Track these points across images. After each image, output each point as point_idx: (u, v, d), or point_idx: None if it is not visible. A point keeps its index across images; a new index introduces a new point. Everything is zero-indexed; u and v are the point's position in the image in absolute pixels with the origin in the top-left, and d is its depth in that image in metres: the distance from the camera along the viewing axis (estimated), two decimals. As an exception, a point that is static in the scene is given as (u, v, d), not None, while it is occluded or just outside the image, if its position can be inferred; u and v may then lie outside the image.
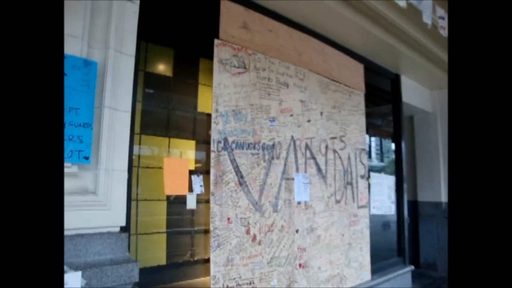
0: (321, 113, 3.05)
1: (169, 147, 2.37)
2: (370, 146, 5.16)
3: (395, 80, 4.40)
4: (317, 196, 2.92)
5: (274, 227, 2.56)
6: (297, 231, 2.71)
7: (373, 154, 4.73)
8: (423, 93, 5.06)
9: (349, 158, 3.32)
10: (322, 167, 2.99)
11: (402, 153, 4.31)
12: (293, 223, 2.69)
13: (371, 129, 4.69)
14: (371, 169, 4.34)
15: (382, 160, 4.93)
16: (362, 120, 3.59)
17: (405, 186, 4.26)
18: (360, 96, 3.62)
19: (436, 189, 5.02)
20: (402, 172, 4.25)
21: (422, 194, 5.19)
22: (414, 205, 5.21)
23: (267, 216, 2.52)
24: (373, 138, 4.85)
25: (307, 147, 2.86)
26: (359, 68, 3.67)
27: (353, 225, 3.29)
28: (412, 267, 4.17)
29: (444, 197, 4.98)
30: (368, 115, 4.16)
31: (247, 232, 2.39)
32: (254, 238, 2.43)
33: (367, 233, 3.47)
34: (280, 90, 2.72)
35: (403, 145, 4.34)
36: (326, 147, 3.05)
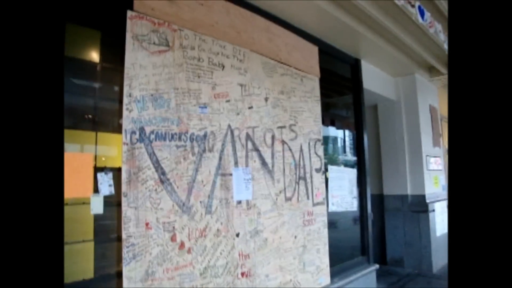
0: (266, 99, 2.70)
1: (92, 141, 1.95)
2: (344, 140, 4.90)
3: (355, 66, 4.11)
4: (262, 193, 2.57)
5: (208, 232, 2.19)
6: (237, 235, 2.35)
7: (341, 147, 4.41)
8: (386, 80, 4.81)
9: (301, 149, 2.98)
10: (268, 160, 2.64)
11: (364, 144, 4.02)
12: (232, 226, 2.33)
13: (337, 121, 4.40)
14: (346, 163, 4.05)
15: (344, 153, 4.64)
16: (317, 108, 3.27)
17: (368, 179, 3.98)
18: (314, 81, 3.29)
19: (402, 181, 4.79)
20: (365, 164, 3.96)
21: (388, 187, 4.94)
22: (379, 199, 4.97)
23: (198, 219, 2.15)
24: (340, 130, 4.54)
25: (248, 137, 2.51)
26: (313, 50, 3.34)
27: (307, 225, 2.96)
28: (377, 266, 3.89)
29: (410, 190, 4.75)
30: (329, 105, 3.88)
31: (172, 238, 2.02)
32: (182, 245, 2.06)
33: (325, 232, 3.15)
34: (213, 72, 2.35)
35: (365, 135, 4.04)
36: (273, 138, 2.71)
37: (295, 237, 2.82)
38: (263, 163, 2.60)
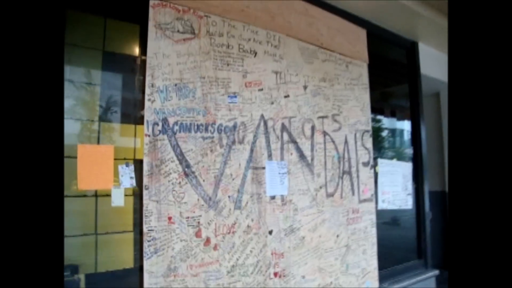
0: (305, 87, 2.50)
1: (99, 132, 1.92)
2: (398, 132, 4.53)
3: (411, 49, 3.73)
4: (300, 189, 2.39)
5: (237, 228, 2.07)
6: (270, 232, 2.20)
7: (395, 139, 4.05)
8: (450, 64, 4.31)
9: (346, 141, 2.75)
10: (307, 153, 2.45)
11: (421, 135, 3.65)
12: (264, 223, 2.18)
13: (391, 111, 4.06)
14: (400, 157, 3.72)
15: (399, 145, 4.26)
16: (365, 96, 2.99)
17: (426, 174, 3.60)
18: (361, 68, 3.02)
19: (468, 177, 4.28)
20: (422, 158, 3.59)
21: (452, 183, 4.45)
22: (442, 196, 4.51)
23: (226, 214, 2.03)
24: (394, 121, 4.17)
25: (284, 128, 2.33)
26: (360, 33, 3.06)
27: (352, 223, 2.72)
28: (437, 271, 3.52)
29: (478, 187, 4.23)
30: (381, 94, 3.57)
31: (197, 234, 1.92)
32: (208, 241, 1.96)
33: (372, 232, 2.89)
34: (244, 59, 2.21)
35: (422, 126, 3.66)
36: (312, 128, 2.50)
37: (337, 236, 2.60)
38: (301, 156, 2.41)
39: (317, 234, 2.46)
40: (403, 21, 3.31)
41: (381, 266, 2.99)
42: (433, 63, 3.97)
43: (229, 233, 2.03)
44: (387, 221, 3.28)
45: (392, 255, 3.44)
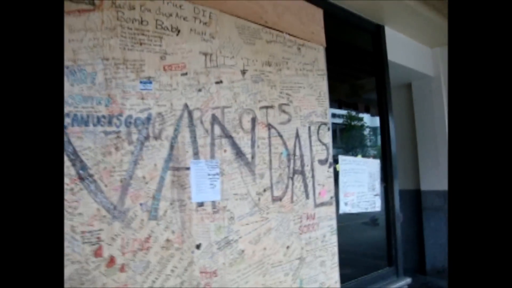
0: (243, 72, 2.17)
1: None
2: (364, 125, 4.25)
3: (377, 34, 3.46)
4: (237, 193, 2.05)
5: (152, 243, 1.72)
6: (198, 246, 1.86)
7: (360, 134, 3.77)
8: (421, 51, 4.08)
9: (297, 135, 2.43)
10: (246, 149, 2.12)
11: (389, 129, 3.36)
12: (189, 235, 1.84)
13: (355, 102, 3.78)
14: (366, 153, 3.44)
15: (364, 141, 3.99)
16: (321, 84, 2.69)
17: (396, 172, 3.32)
18: (317, 51, 2.71)
19: (443, 174, 4.06)
20: (391, 154, 3.30)
21: (426, 181, 4.24)
22: (416, 195, 4.26)
23: (137, 226, 1.68)
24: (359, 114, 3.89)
25: (215, 120, 2.00)
26: (316, 13, 2.76)
27: (307, 231, 2.40)
28: (408, 280, 3.24)
29: (454, 185, 3.99)
30: (343, 83, 3.28)
31: (97, 253, 1.57)
32: (112, 261, 1.61)
33: (332, 240, 2.58)
34: (163, 38, 1.87)
35: (390, 119, 3.38)
36: (253, 121, 2.18)
37: (288, 247, 2.27)
38: (238, 153, 2.08)
39: (261, 246, 2.13)
40: (367, 1, 3.01)
41: (346, 278, 2.70)
42: (402, 50, 3.72)
43: (141, 249, 1.68)
44: (349, 226, 2.97)
45: (360, 264, 3.16)
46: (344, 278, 2.68)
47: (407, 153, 4.48)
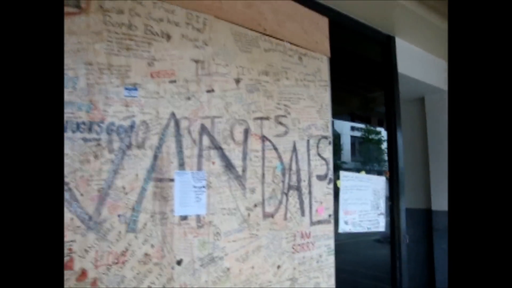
0: (237, 81, 2.12)
1: None
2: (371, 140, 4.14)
3: (387, 45, 3.37)
4: (225, 207, 1.99)
5: (129, 257, 1.66)
6: (179, 262, 1.79)
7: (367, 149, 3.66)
8: (434, 63, 3.96)
9: (294, 149, 2.35)
10: (236, 162, 2.05)
11: (397, 145, 3.25)
12: (170, 250, 1.77)
13: (362, 116, 3.69)
14: (370, 169, 3.34)
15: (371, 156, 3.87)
16: (324, 96, 2.61)
17: (403, 190, 3.20)
18: (320, 61, 2.64)
19: (456, 194, 3.87)
20: (398, 170, 3.19)
21: (437, 200, 4.08)
22: (426, 215, 4.11)
23: (114, 239, 1.63)
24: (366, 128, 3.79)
25: (204, 130, 1.94)
26: (320, 22, 2.70)
27: (300, 251, 2.31)
28: (413, 305, 3.09)
29: (467, 206, 3.83)
30: (349, 96, 3.20)
31: (67, 265, 1.52)
32: (83, 275, 1.56)
33: (329, 261, 2.48)
34: (152, 43, 1.83)
35: (399, 134, 3.27)
36: (246, 132, 2.11)
37: (278, 267, 2.19)
38: (228, 165, 2.01)
39: (249, 265, 2.05)
40: (376, 10, 2.94)
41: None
42: (415, 62, 3.62)
43: (116, 263, 1.63)
44: (350, 246, 2.86)
45: (362, 286, 3.03)
46: (342, 301, 2.57)
47: (418, 170, 4.34)
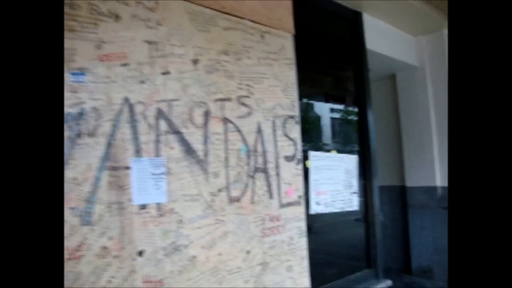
0: (195, 62, 2.04)
1: None
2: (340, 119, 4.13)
3: (354, 21, 3.33)
4: (187, 194, 1.93)
5: (85, 251, 1.60)
6: (140, 253, 1.74)
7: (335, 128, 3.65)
8: (404, 40, 3.96)
9: (259, 130, 2.30)
10: (197, 146, 1.99)
11: (368, 123, 3.24)
12: (130, 241, 1.72)
13: (332, 95, 3.66)
14: (342, 149, 3.32)
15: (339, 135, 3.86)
16: (289, 74, 2.56)
17: (374, 168, 3.20)
18: (284, 39, 2.58)
19: (429, 170, 3.95)
20: (369, 149, 3.18)
21: (411, 177, 4.12)
22: (401, 192, 4.15)
23: (67, 233, 1.55)
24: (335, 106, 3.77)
25: (161, 115, 1.87)
26: (282, -2, 2.62)
27: (270, 234, 2.28)
28: (389, 282, 3.12)
29: (439, 180, 3.89)
30: (317, 74, 3.16)
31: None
32: (36, 274, 1.46)
33: (301, 243, 2.46)
34: (99, 24, 1.74)
35: (369, 112, 3.26)
36: (206, 115, 2.05)
37: (248, 252, 2.15)
38: (188, 150, 1.95)
39: (216, 252, 2.01)
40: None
41: (320, 281, 2.58)
42: (384, 39, 3.60)
43: (71, 258, 1.56)
44: (323, 226, 2.86)
45: (336, 266, 3.04)
46: (317, 282, 2.56)
47: (392, 148, 4.37)
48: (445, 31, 3.95)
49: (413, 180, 4.10)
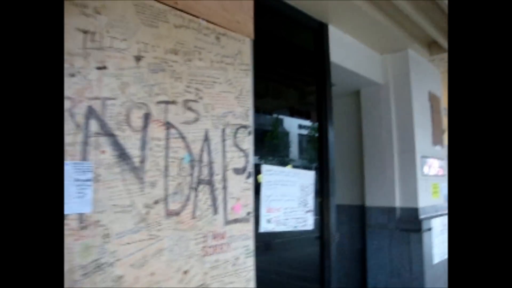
0: (138, 58, 1.86)
1: None
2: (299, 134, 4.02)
3: (319, 32, 3.24)
4: (117, 204, 1.72)
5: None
6: (53, 272, 1.49)
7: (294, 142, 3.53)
8: (370, 57, 3.93)
9: (206, 138, 2.13)
10: (133, 151, 1.80)
11: (328, 138, 3.13)
12: (41, 258, 1.47)
13: (292, 108, 3.55)
14: (299, 164, 3.19)
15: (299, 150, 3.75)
16: (244, 81, 2.41)
17: (333, 185, 3.09)
18: (242, 43, 2.44)
19: (389, 189, 3.89)
20: (328, 165, 3.07)
21: (371, 197, 4.05)
22: (360, 211, 4.06)
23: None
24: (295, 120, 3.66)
25: (92, 114, 1.67)
26: (244, 0, 2.48)
27: (213, 253, 2.10)
28: (341, 307, 2.98)
29: (398, 201, 3.83)
30: (276, 85, 3.04)
31: None
32: None
33: (247, 264, 2.29)
34: (23, 4, 1.51)
35: (330, 127, 3.16)
36: (146, 117, 1.86)
37: (185, 272, 1.96)
38: (122, 155, 1.75)
39: (148, 271, 1.80)
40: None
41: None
42: (350, 53, 3.55)
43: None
44: (276, 246, 2.70)
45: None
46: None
47: (353, 166, 4.30)
48: (410, 51, 3.95)
49: (372, 199, 4.03)
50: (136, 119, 1.83)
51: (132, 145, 1.80)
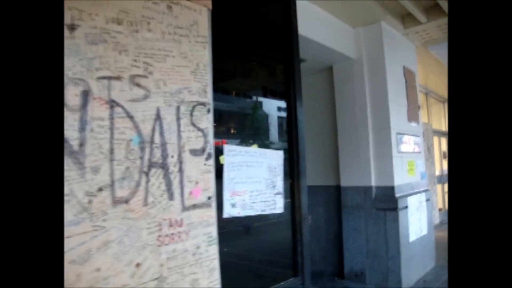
0: (72, 28, 1.66)
1: None
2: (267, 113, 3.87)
3: (286, 3, 3.04)
4: (52, 193, 1.52)
5: None
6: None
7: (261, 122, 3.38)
8: (342, 30, 3.78)
9: (158, 117, 1.95)
10: (70, 133, 1.61)
11: (297, 116, 2.99)
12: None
13: (260, 86, 3.37)
14: (267, 144, 3.04)
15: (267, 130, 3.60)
16: (201, 54, 2.23)
17: (303, 166, 2.95)
18: (198, 14, 2.24)
19: (364, 168, 3.81)
20: (298, 145, 2.92)
21: (346, 177, 3.96)
22: (336, 192, 3.97)
23: None
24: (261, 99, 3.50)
25: (16, 91, 1.45)
26: (197, -34, 2.27)
27: (170, 243, 1.94)
28: (315, 291, 2.88)
29: (374, 180, 3.73)
30: (240, 61, 2.86)
31: None
32: None
33: (210, 252, 2.14)
34: None
35: (298, 104, 3.00)
36: (86, 95, 1.66)
37: (138, 265, 1.79)
38: (57, 138, 1.54)
39: (93, 267, 1.63)
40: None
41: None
42: (321, 26, 3.40)
43: None
44: (243, 231, 2.57)
45: (258, 275, 2.76)
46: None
47: (328, 145, 4.19)
48: (383, 24, 3.81)
49: (348, 179, 3.93)
50: (73, 96, 1.63)
51: (68, 126, 1.60)
